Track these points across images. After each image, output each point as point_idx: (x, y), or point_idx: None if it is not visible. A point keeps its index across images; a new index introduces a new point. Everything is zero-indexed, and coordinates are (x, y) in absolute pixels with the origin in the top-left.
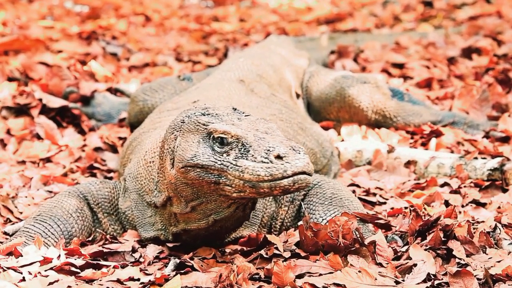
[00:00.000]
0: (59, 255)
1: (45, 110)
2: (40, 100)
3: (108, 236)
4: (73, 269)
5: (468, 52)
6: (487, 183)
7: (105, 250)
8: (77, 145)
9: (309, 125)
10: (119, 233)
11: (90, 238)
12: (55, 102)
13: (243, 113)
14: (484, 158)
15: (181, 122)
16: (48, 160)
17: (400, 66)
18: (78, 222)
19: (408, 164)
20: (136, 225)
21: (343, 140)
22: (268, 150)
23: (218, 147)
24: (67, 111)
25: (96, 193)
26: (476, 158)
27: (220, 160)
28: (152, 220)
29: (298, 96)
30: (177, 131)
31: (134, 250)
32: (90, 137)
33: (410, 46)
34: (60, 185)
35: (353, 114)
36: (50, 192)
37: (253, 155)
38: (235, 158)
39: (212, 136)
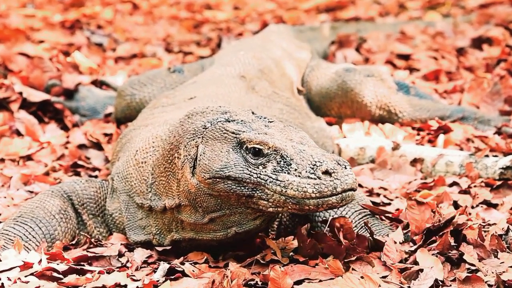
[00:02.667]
0: (41, 260)
1: (26, 105)
2: (20, 93)
3: (92, 240)
4: (55, 274)
5: (478, 43)
6: (498, 183)
7: (89, 254)
8: (59, 142)
9: (310, 123)
10: (104, 236)
11: (73, 242)
12: (36, 96)
13: (265, 118)
14: (496, 156)
15: (203, 128)
16: (28, 158)
17: (405, 57)
18: (61, 224)
19: (414, 162)
20: (124, 227)
21: (345, 137)
22: (314, 165)
23: (252, 158)
24: (49, 105)
25: (81, 193)
26: (487, 155)
27: (256, 173)
28: (143, 223)
29: (300, 92)
30: (199, 137)
31: (120, 255)
32: (74, 133)
33: (416, 36)
34: (42, 184)
35: (356, 109)
36: (31, 192)
37: (296, 170)
38: (274, 171)
39: (245, 146)
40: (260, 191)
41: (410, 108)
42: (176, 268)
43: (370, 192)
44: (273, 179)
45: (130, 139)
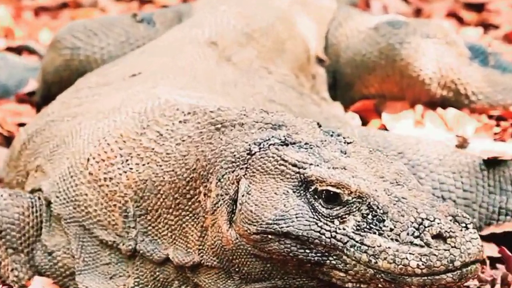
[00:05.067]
0: None
1: None
2: None
3: (1, 287)
4: None
5: None
6: None
7: None
8: None
9: (317, 107)
10: (23, 285)
11: None
12: None
13: (339, 135)
14: None
15: (248, 154)
16: None
17: (477, 7)
18: None
19: None
20: (74, 272)
21: (384, 129)
22: (421, 224)
23: (323, 206)
24: None
25: (1, 214)
26: None
27: (329, 231)
28: (112, 270)
29: (321, 61)
30: (241, 168)
31: None
32: None
33: None
34: None
35: (407, 87)
36: None
37: (392, 230)
38: (358, 230)
39: (313, 187)
40: (335, 257)
41: (489, 87)
42: None
43: None
44: (356, 241)
45: (52, 137)
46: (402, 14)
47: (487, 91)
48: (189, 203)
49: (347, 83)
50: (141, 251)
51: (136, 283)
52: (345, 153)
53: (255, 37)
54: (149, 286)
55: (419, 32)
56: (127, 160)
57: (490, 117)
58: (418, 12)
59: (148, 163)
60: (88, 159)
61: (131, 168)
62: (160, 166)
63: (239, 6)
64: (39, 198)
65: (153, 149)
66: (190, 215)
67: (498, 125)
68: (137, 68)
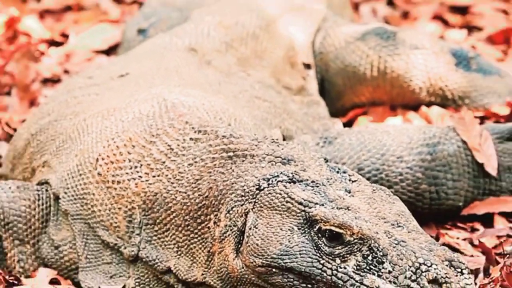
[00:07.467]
0: None
1: None
2: None
3: (8, 277)
4: None
5: None
6: None
7: None
8: None
9: (297, 106)
10: (28, 276)
11: None
12: None
13: (344, 172)
14: None
15: (257, 189)
16: None
17: (462, 10)
18: None
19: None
20: (78, 266)
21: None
22: (418, 268)
23: (325, 245)
24: None
25: (8, 206)
26: None
27: (330, 269)
28: (112, 270)
29: (308, 66)
30: (250, 202)
31: None
32: None
33: None
34: None
35: (397, 95)
36: None
37: (390, 272)
38: (358, 269)
39: (317, 226)
40: None
41: (475, 92)
42: None
43: None
44: (356, 281)
45: (57, 134)
46: (390, 18)
47: (473, 95)
48: (199, 227)
49: (338, 93)
50: (143, 258)
51: (137, 284)
52: (350, 192)
53: (234, 46)
54: (151, 286)
55: (408, 44)
56: (136, 167)
57: (475, 117)
58: (405, 15)
59: (158, 176)
60: (97, 159)
61: (140, 177)
62: (172, 183)
63: (223, 16)
64: (46, 191)
65: (163, 162)
66: (199, 238)
67: (481, 123)
68: (121, 69)
